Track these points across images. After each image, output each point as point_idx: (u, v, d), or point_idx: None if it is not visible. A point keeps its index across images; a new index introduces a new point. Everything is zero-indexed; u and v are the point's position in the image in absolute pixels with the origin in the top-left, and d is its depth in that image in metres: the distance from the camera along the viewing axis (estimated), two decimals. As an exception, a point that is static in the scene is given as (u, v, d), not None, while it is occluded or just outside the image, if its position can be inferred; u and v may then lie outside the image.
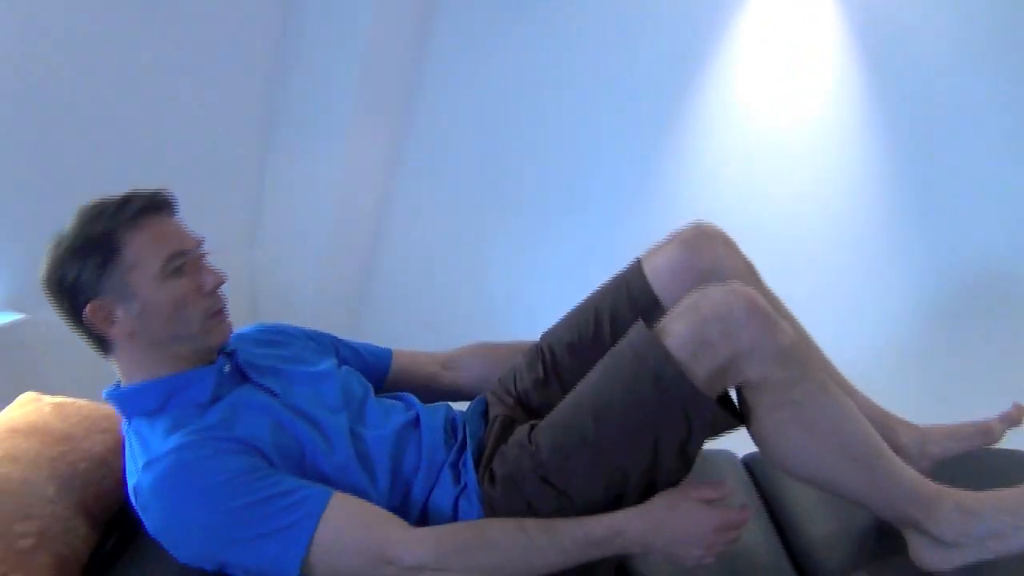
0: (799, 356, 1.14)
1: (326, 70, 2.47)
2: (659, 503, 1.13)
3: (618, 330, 1.29)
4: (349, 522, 1.08)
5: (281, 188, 2.62)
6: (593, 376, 1.19)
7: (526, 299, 2.67)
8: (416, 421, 1.28)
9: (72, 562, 1.16)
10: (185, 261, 1.18)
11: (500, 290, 2.72)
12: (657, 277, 1.35)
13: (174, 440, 1.09)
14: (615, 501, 1.16)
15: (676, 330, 1.11)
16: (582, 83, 2.46)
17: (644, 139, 2.42)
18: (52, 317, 2.24)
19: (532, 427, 1.22)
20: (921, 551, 1.21)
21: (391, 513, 1.12)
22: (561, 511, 1.14)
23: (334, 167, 2.55)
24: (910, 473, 1.19)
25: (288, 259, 2.70)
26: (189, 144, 2.30)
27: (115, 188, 2.30)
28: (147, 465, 1.09)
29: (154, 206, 1.20)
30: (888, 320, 2.27)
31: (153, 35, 2.13)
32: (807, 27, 2.21)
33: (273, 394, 1.22)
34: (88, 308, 1.15)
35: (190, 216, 2.60)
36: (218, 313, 1.21)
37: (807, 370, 1.15)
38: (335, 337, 1.45)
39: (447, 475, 1.22)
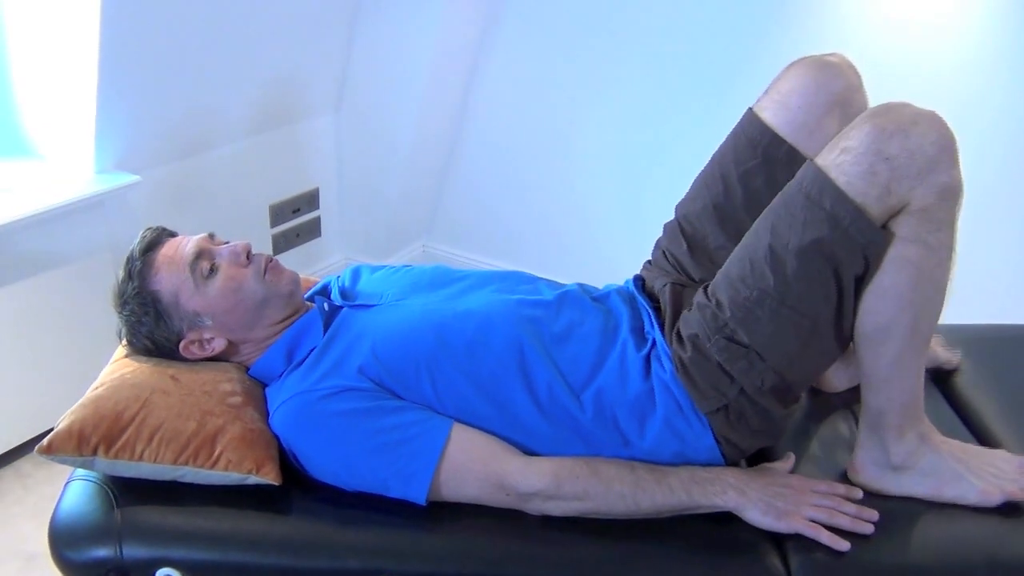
0: (957, 203, 1.11)
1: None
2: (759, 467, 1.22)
3: (748, 181, 1.30)
4: (468, 455, 1.14)
5: (370, 51, 2.56)
6: (764, 223, 1.17)
7: (617, 203, 2.60)
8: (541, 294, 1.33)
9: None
10: (208, 259, 1.25)
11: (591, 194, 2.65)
12: (783, 108, 1.28)
13: (289, 389, 1.20)
14: (807, 350, 1.17)
15: (851, 145, 1.08)
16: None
17: (762, 23, 2.25)
18: (164, 175, 2.35)
19: (706, 286, 1.22)
20: (865, 460, 1.22)
21: (506, 443, 1.17)
22: (753, 369, 1.16)
23: (426, 35, 2.47)
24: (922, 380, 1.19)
25: (374, 127, 2.67)
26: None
27: (211, 44, 2.19)
28: (273, 412, 1.21)
29: (155, 242, 1.27)
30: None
31: None
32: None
33: (369, 306, 1.28)
34: (182, 351, 1.26)
35: (276, 73, 2.45)
36: (269, 267, 1.27)
37: (954, 222, 1.12)
38: None
39: (628, 339, 1.24)
